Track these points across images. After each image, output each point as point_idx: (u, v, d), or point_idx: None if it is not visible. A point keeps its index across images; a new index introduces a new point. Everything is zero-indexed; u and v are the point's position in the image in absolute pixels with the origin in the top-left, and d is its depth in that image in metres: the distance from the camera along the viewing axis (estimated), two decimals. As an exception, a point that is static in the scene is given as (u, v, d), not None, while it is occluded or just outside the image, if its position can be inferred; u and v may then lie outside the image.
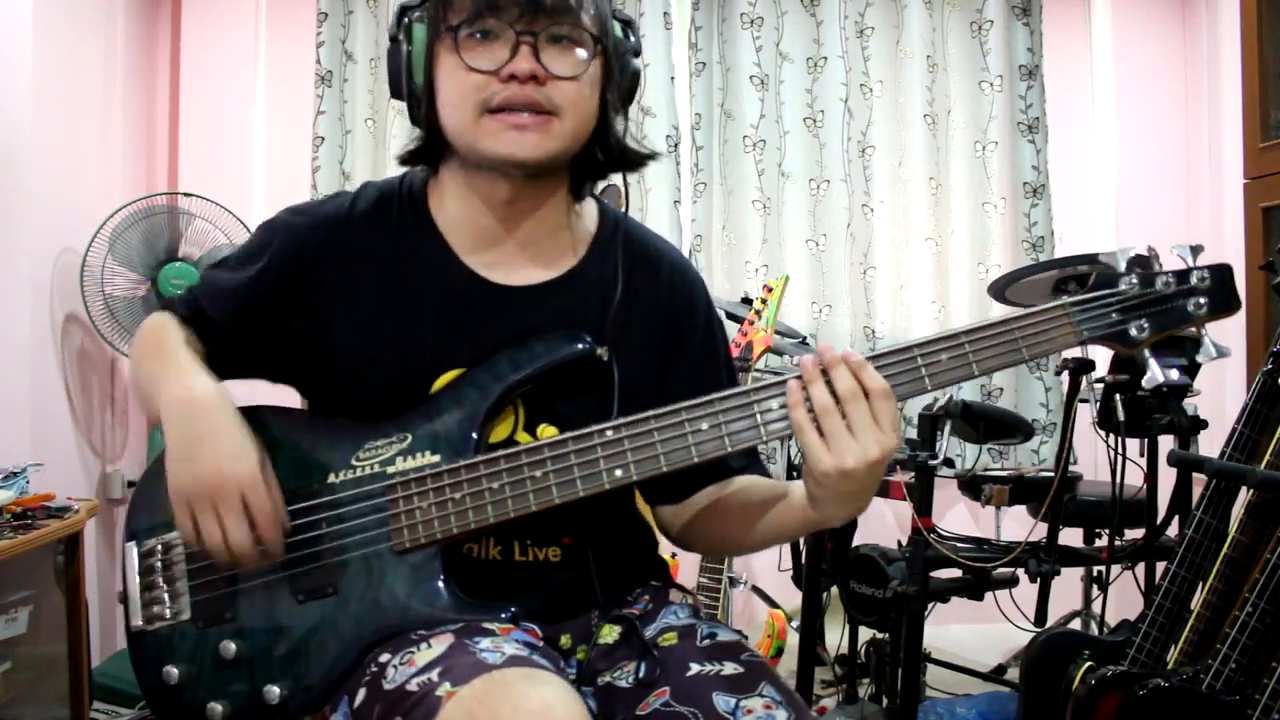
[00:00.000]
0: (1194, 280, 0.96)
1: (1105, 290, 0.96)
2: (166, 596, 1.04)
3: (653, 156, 1.13)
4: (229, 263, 1.13)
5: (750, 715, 0.93)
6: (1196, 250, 0.98)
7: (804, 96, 3.30)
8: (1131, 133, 3.40)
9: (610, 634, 1.08)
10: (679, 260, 1.19)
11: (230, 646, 1.01)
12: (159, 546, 1.06)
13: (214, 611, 1.03)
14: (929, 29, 3.31)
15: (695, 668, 1.00)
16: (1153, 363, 0.99)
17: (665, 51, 3.21)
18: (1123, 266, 0.97)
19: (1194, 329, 0.98)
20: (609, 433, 0.97)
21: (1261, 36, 2.48)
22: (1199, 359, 0.99)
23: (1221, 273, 0.97)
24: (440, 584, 1.00)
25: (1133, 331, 0.96)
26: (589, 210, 1.16)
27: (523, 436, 1.06)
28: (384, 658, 0.95)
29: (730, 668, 1.00)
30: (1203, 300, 0.96)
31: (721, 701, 0.95)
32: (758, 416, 0.95)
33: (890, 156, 3.32)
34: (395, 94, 1.06)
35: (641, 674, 1.01)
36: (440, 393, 1.04)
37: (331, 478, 1.03)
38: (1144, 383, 1.00)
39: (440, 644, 0.93)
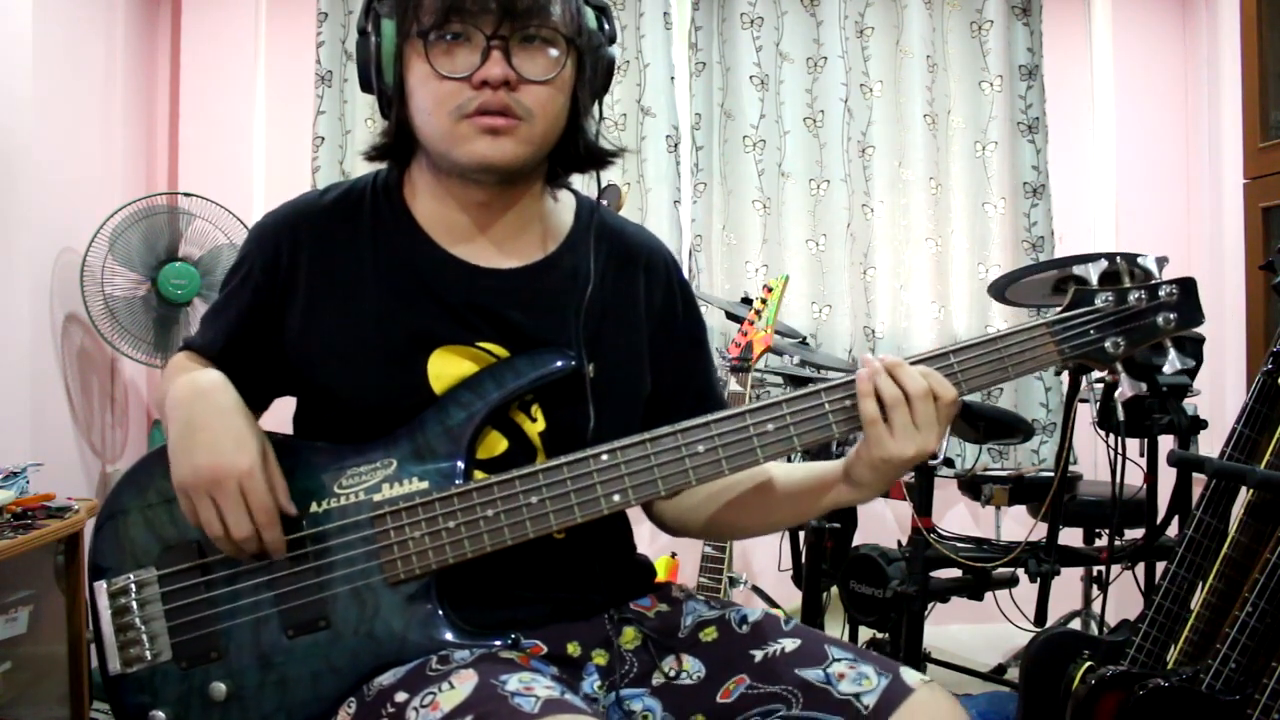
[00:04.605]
0: (1163, 295, 1.02)
1: (1083, 308, 1.02)
2: (144, 637, 0.99)
3: (618, 154, 1.12)
4: (223, 284, 1.14)
5: (844, 680, 0.98)
6: (1162, 262, 1.05)
7: (804, 96, 3.30)
8: (1131, 133, 3.40)
9: (634, 639, 1.08)
10: (657, 247, 1.19)
11: (220, 687, 0.97)
12: (132, 584, 1.01)
13: (198, 650, 0.99)
14: (929, 29, 3.31)
15: (756, 652, 1.03)
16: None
17: (665, 51, 3.21)
18: (1095, 280, 1.03)
19: (1162, 342, 1.04)
20: (604, 456, 0.97)
21: (1261, 36, 2.48)
22: (1165, 369, 1.04)
23: (1187, 287, 1.02)
24: (437, 613, 0.98)
25: (1109, 347, 1.01)
26: (565, 201, 1.15)
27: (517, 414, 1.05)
28: (400, 697, 0.91)
29: (788, 644, 1.04)
30: (1172, 315, 1.01)
31: (810, 675, 0.99)
32: (754, 439, 0.97)
33: (890, 156, 3.32)
34: (364, 88, 1.04)
35: (702, 669, 1.04)
36: (424, 413, 1.02)
37: (314, 506, 1.00)
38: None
39: (463, 684, 0.90)
